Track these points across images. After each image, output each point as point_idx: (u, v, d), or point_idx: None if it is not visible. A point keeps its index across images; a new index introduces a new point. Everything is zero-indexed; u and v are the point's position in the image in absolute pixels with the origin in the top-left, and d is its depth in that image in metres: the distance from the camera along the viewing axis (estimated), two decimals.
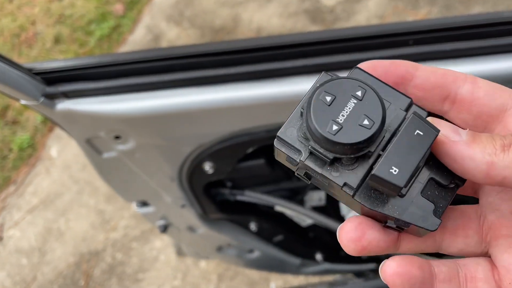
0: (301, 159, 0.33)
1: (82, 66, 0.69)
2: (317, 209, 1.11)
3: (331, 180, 0.32)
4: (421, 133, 0.31)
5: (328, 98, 0.32)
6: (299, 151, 0.33)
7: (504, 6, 2.52)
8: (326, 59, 0.67)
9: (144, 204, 1.03)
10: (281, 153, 0.34)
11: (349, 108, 0.32)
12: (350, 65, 0.68)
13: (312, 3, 2.87)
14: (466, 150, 0.31)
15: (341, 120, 0.31)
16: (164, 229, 1.08)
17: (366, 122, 0.31)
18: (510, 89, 0.36)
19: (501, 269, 0.33)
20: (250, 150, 0.83)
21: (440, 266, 0.34)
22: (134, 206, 1.04)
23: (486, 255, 0.36)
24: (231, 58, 0.69)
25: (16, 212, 2.59)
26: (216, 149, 0.80)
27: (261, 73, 0.69)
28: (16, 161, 2.76)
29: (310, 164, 0.33)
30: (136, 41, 3.05)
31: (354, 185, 0.32)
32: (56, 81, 0.70)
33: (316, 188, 1.12)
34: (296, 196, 1.11)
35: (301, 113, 0.34)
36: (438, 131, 0.31)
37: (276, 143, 0.34)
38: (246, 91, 0.70)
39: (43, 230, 2.50)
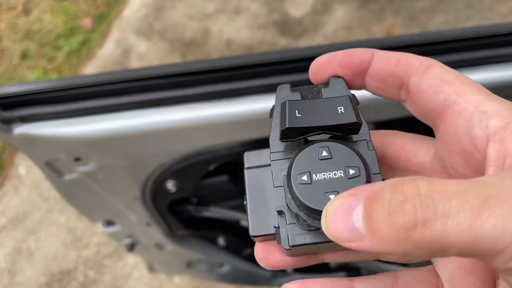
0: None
1: (39, 90, 0.69)
2: None
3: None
4: None
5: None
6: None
7: (464, 15, 2.61)
8: (280, 78, 0.69)
9: (109, 223, 1.02)
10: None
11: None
12: (304, 84, 0.70)
13: (280, 15, 2.92)
14: (374, 249, 0.25)
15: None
16: (131, 247, 1.07)
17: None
18: (461, 79, 0.32)
19: (443, 280, 0.31)
20: (212, 167, 0.85)
21: (363, 286, 0.32)
22: (99, 226, 1.03)
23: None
24: (188, 79, 0.70)
25: None
26: (177, 168, 0.81)
27: (218, 93, 0.70)
28: None
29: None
30: (105, 55, 3.03)
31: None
32: (12, 106, 0.70)
33: None
34: None
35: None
36: None
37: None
38: (204, 111, 0.72)
39: (12, 250, 2.44)
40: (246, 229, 1.19)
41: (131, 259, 2.30)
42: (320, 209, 0.29)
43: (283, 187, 0.33)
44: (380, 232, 0.24)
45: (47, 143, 0.72)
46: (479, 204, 0.22)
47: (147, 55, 2.96)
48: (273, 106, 0.37)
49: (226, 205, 1.01)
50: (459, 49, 0.68)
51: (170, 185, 0.85)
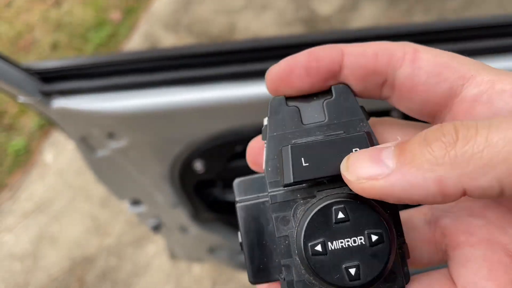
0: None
1: (78, 65, 0.72)
2: None
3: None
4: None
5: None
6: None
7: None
8: None
9: (136, 203, 1.05)
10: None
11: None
12: None
13: (307, 12, 2.92)
14: (403, 181, 0.23)
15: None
16: (156, 228, 1.10)
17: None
18: (457, 60, 0.27)
19: (459, 286, 0.27)
20: (239, 149, 0.86)
21: None
22: (126, 205, 1.06)
23: (446, 262, 0.30)
24: (221, 59, 0.72)
25: (11, 217, 2.59)
26: (206, 148, 0.82)
27: (248, 74, 0.72)
28: (11, 166, 2.77)
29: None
30: (132, 48, 3.09)
31: None
32: (52, 80, 0.72)
33: None
34: None
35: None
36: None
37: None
38: (235, 90, 0.73)
39: (37, 235, 2.51)
40: None
41: (152, 248, 2.33)
42: (339, 284, 0.26)
43: (285, 237, 0.28)
44: (414, 156, 0.22)
45: (83, 117, 0.75)
46: None
47: None
48: (265, 125, 0.30)
49: None
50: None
51: (198, 165, 0.87)
